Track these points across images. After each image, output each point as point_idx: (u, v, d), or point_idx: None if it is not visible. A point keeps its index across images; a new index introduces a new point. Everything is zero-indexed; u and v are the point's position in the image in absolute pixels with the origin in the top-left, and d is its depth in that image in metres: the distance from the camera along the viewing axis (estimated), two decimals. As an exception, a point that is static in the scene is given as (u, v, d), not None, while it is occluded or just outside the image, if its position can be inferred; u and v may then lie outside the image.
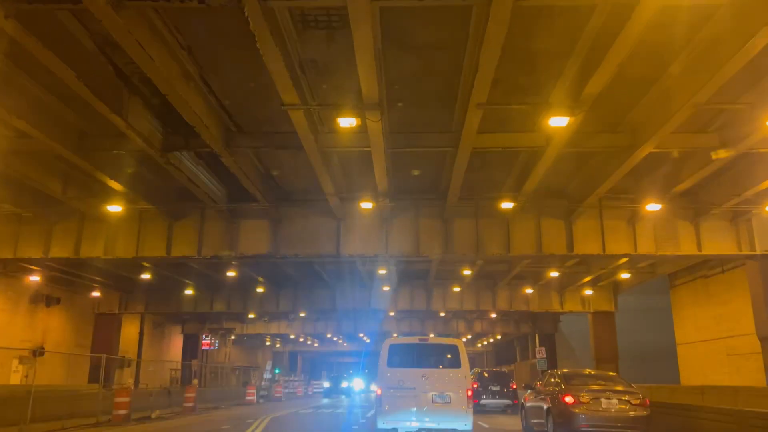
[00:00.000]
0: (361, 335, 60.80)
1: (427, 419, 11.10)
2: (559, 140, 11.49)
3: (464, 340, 63.45)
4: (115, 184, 14.54)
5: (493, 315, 41.59)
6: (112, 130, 11.79)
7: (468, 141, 11.69)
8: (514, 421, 17.46)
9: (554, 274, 25.60)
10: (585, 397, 11.33)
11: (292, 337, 59.21)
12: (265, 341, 66.20)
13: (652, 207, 15.30)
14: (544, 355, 38.63)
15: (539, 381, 14.50)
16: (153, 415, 17.89)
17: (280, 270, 28.11)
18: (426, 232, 17.18)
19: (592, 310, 31.20)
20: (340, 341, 68.12)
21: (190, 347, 43.78)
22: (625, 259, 23.08)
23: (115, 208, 15.59)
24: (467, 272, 25.69)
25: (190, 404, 19.10)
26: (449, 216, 17.05)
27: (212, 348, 46.68)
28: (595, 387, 11.87)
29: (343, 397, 41.54)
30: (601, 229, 16.94)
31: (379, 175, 13.66)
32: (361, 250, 17.25)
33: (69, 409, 16.05)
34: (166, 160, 12.63)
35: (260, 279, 29.25)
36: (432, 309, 31.93)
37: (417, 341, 12.90)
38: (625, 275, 25.45)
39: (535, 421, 13.69)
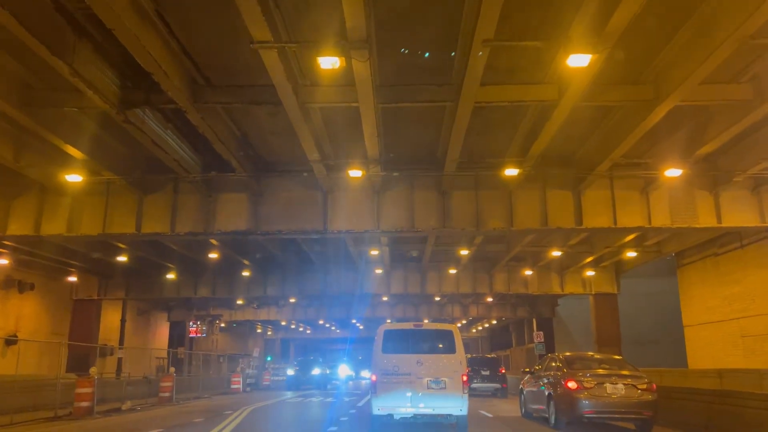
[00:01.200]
0: (354, 321, 59.58)
1: (422, 404, 10.77)
2: (575, 90, 9.99)
3: (459, 325, 62.07)
4: (73, 150, 12.91)
5: (490, 299, 40.36)
6: (60, 83, 10.21)
7: (470, 93, 10.16)
8: (511, 407, 16.93)
9: (556, 253, 24.22)
10: (589, 382, 10.80)
11: (283, 324, 57.89)
12: (255, 328, 64.89)
13: (672, 173, 13.83)
14: (542, 340, 37.47)
15: (538, 365, 13.81)
16: (124, 407, 16.43)
17: (266, 252, 26.60)
18: (422, 204, 15.70)
19: (593, 292, 29.92)
20: (333, 328, 66.87)
21: (177, 335, 42.28)
22: (632, 236, 21.76)
23: (74, 178, 13.96)
24: (464, 252, 24.27)
25: (167, 394, 17.62)
26: (447, 188, 15.57)
27: (201, 336, 45.23)
28: (599, 371, 11.36)
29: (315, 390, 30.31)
30: (612, 199, 15.51)
31: (369, 136, 12.12)
32: (350, 226, 15.75)
33: (31, 401, 14.59)
34: (124, 118, 11.03)
35: (246, 262, 27.75)
36: (427, 292, 30.56)
37: (412, 327, 12.52)
38: (631, 254, 24.10)
39: (535, 407, 13.07)
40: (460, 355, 11.06)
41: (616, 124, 12.80)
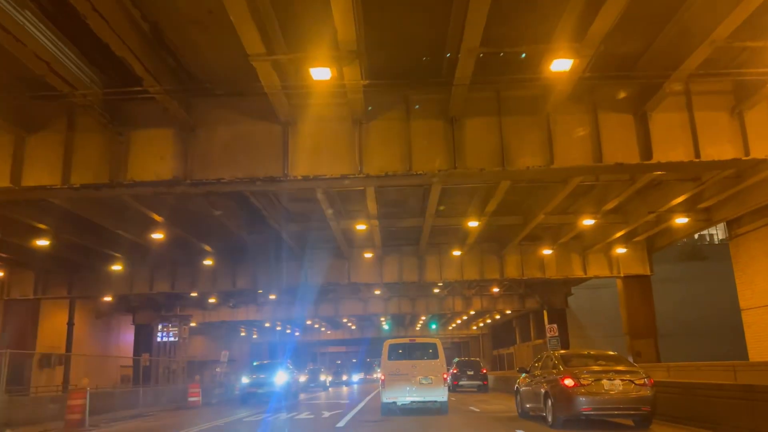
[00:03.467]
0: (346, 320, 54.78)
1: (416, 394, 15.16)
2: None
3: (459, 322, 57.71)
4: None
5: (496, 289, 35.76)
6: None
7: None
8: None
9: (588, 222, 19.55)
10: (586, 379, 10.75)
11: (267, 325, 53.08)
12: (239, 331, 60.02)
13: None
14: (556, 333, 32.91)
15: (536, 363, 13.57)
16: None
17: (231, 237, 21.92)
18: (422, 136, 11.03)
19: (622, 274, 25.37)
20: (323, 329, 62.10)
21: (144, 340, 37.32)
22: (683, 197, 17.27)
23: None
24: (472, 224, 19.64)
25: (76, 416, 12.71)
26: (458, 113, 10.94)
27: (168, 339, 40.37)
28: (595, 368, 11.25)
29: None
30: (692, 123, 10.99)
31: (343, 13, 7.56)
32: (320, 170, 11.06)
33: None
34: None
35: (208, 249, 23.02)
36: (426, 280, 25.87)
37: (408, 341, 16.63)
38: (681, 220, 19.48)
39: (531, 405, 12.98)
40: (442, 360, 15.43)
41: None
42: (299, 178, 11.01)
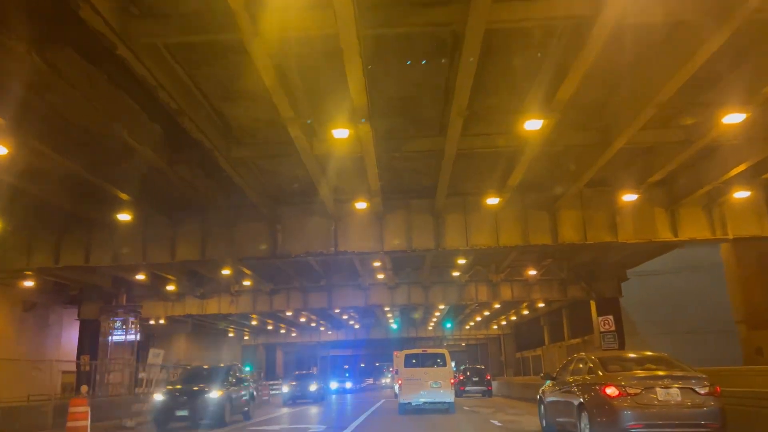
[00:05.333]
0: (347, 318, 47.03)
1: (427, 396, 18.52)
2: None
3: (479, 319, 49.75)
4: None
5: (532, 272, 27.87)
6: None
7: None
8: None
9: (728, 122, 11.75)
10: (634, 387, 8.76)
11: (254, 323, 45.50)
12: (227, 331, 52.53)
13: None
14: (612, 327, 25.20)
15: (565, 367, 11.33)
16: None
17: (161, 180, 14.44)
18: None
19: (730, 236, 17.50)
20: (322, 328, 54.44)
21: (90, 338, 29.77)
22: None
23: None
24: (532, 126, 11.90)
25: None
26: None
27: (131, 339, 32.86)
28: (644, 373, 9.23)
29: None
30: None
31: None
32: None
33: None
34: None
35: (124, 197, 15.40)
36: (445, 247, 18.01)
37: (421, 351, 19.80)
38: None
39: (562, 420, 10.81)
40: (449, 367, 18.88)
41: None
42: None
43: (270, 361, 66.34)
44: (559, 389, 11.16)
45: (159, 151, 12.87)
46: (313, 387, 30.98)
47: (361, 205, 16.35)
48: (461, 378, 31.63)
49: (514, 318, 47.61)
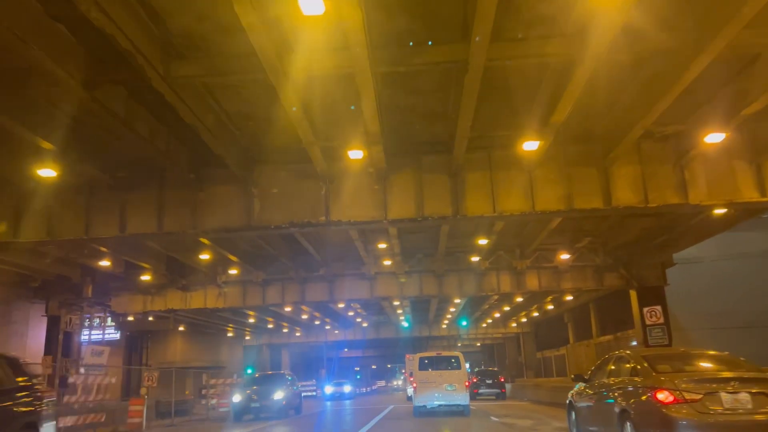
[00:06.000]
0: (352, 314, 43.27)
1: (442, 399, 18.90)
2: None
3: (497, 315, 45.75)
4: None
5: (565, 255, 23.95)
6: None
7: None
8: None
9: None
10: (693, 392, 7.23)
11: (251, 320, 41.90)
12: (226, 332, 49.02)
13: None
14: (660, 320, 21.36)
15: (601, 367, 9.83)
16: None
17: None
18: None
19: None
20: (327, 326, 50.77)
21: (56, 336, 26.18)
22: None
23: None
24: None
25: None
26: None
27: (109, 338, 29.34)
28: (704, 374, 7.83)
29: None
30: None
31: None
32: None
33: None
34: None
35: (46, 145, 11.71)
36: (465, 214, 14.05)
37: (435, 354, 20.77)
38: None
39: (597, 429, 9.41)
40: (464, 370, 19.37)
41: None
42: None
43: (275, 363, 62.82)
44: (594, 393, 9.75)
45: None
46: (278, 395, 21.68)
47: (356, 154, 12.51)
48: (474, 380, 31.62)
49: (536, 314, 43.64)
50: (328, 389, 38.60)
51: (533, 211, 13.67)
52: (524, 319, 48.08)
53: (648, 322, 22.02)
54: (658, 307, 22.16)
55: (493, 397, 31.92)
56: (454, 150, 12.77)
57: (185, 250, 20.36)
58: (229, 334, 49.56)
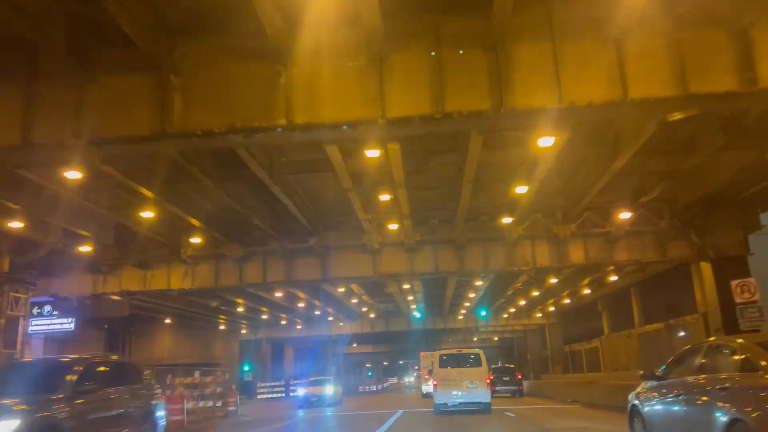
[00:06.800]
0: (356, 300, 37.82)
1: (463, 397, 18.53)
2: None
3: (523, 302, 40.17)
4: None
5: (623, 215, 18.48)
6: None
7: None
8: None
9: None
10: None
11: (240, 310, 36.73)
12: (218, 325, 43.97)
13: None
14: (755, 296, 16.00)
15: (685, 359, 7.83)
16: None
17: None
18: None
19: None
20: (330, 318, 45.61)
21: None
22: None
23: None
24: None
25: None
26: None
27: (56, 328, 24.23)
28: None
29: None
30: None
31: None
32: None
33: None
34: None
35: None
36: (514, 107, 8.62)
37: (456, 352, 20.72)
38: None
39: None
40: (485, 367, 19.07)
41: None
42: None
43: (277, 360, 57.79)
44: (678, 395, 7.55)
45: None
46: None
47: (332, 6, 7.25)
48: (491, 377, 28.73)
49: (567, 301, 38.12)
50: (301, 391, 30.06)
51: (624, 100, 8.32)
52: (552, 308, 42.59)
53: (739, 300, 16.63)
54: (751, 280, 16.72)
55: (509, 394, 31.90)
56: (494, 5, 7.49)
57: (121, 207, 15.09)
58: (221, 327, 44.53)
